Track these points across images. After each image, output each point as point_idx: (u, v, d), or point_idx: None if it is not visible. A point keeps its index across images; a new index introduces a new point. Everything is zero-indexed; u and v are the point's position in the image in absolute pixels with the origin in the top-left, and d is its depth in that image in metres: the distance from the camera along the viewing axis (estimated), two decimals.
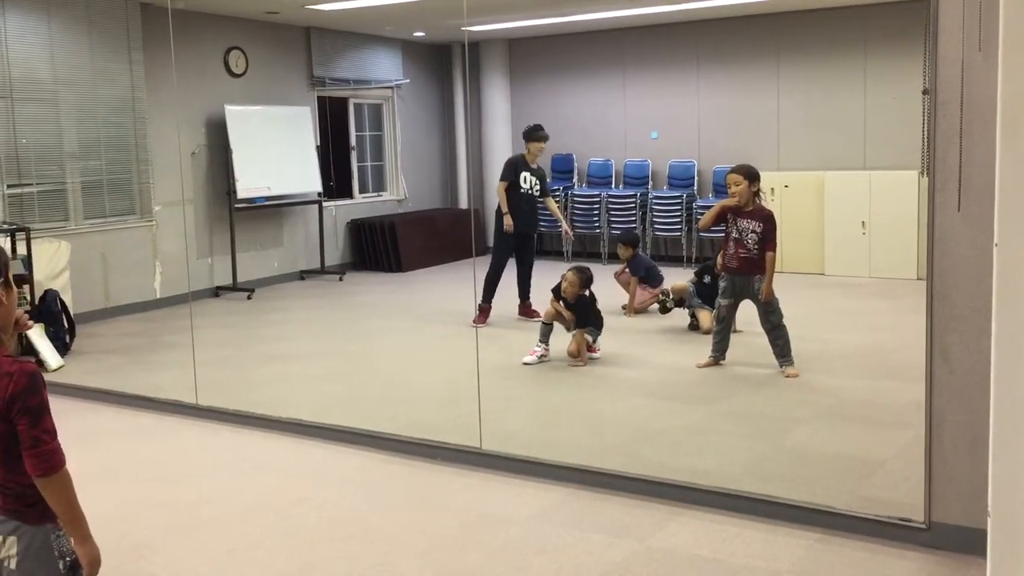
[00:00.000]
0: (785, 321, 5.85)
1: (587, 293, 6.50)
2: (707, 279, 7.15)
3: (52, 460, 2.15)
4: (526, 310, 7.80)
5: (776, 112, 10.32)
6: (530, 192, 7.81)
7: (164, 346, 7.35)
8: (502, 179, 7.80)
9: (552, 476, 4.32)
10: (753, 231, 5.76)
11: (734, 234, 5.83)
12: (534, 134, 7.84)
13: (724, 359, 6.10)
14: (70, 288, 7.71)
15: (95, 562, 2.24)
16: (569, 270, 6.51)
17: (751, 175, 5.83)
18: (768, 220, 5.78)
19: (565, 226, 8.62)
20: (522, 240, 7.84)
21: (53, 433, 2.17)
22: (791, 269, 9.03)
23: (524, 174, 7.76)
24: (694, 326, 7.21)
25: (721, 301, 6.00)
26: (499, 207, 7.79)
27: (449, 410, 5.42)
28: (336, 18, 10.02)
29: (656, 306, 7.69)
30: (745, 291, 5.89)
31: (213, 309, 8.92)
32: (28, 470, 2.15)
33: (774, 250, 5.78)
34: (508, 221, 7.69)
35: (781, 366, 5.86)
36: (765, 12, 10.09)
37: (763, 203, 6.00)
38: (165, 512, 4.12)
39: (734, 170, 5.91)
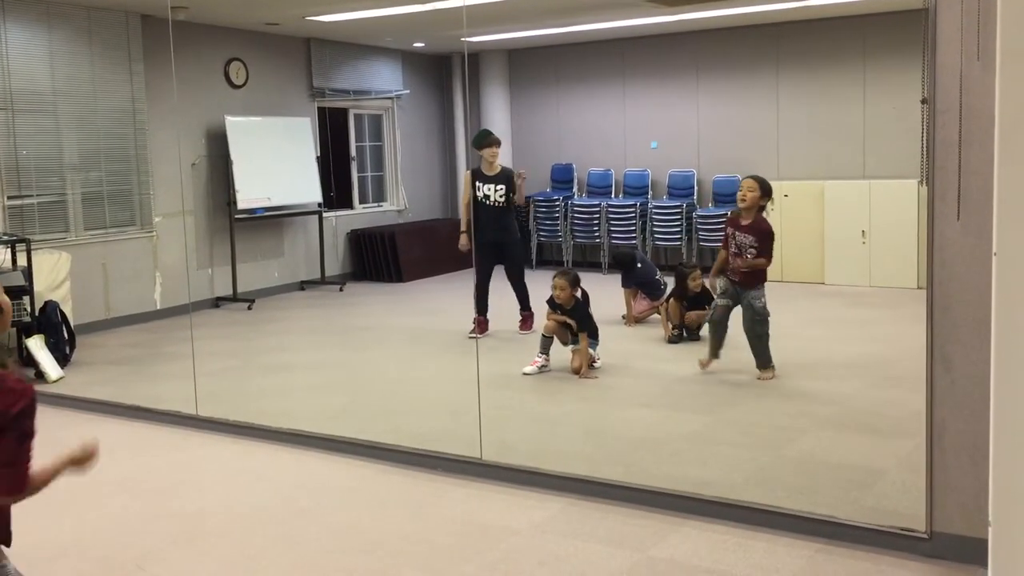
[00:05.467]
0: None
1: (579, 295, 6.47)
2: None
3: (25, 480, 2.14)
4: (522, 323, 7.64)
5: (775, 122, 10.33)
6: (492, 203, 7.53)
7: (164, 357, 7.35)
8: (463, 197, 7.75)
9: (552, 486, 4.31)
10: (751, 245, 5.79)
11: (733, 248, 5.88)
12: (481, 141, 7.63)
13: (719, 356, 6.11)
14: (70, 299, 7.71)
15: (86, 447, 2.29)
16: (555, 277, 6.44)
17: (765, 188, 5.87)
18: (764, 234, 5.79)
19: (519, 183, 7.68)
20: (498, 251, 7.61)
21: (30, 459, 2.17)
22: (791, 278, 9.03)
23: (480, 184, 7.56)
24: (674, 339, 7.21)
25: (718, 301, 6.06)
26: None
27: (449, 421, 5.41)
28: (336, 29, 10.04)
29: (658, 316, 7.70)
30: (739, 299, 5.92)
31: (213, 320, 8.93)
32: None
33: (769, 260, 5.79)
34: (463, 240, 7.67)
35: (759, 369, 5.91)
36: (764, 22, 10.11)
37: (766, 217, 6.00)
38: (165, 523, 4.12)
39: (751, 177, 5.95)
